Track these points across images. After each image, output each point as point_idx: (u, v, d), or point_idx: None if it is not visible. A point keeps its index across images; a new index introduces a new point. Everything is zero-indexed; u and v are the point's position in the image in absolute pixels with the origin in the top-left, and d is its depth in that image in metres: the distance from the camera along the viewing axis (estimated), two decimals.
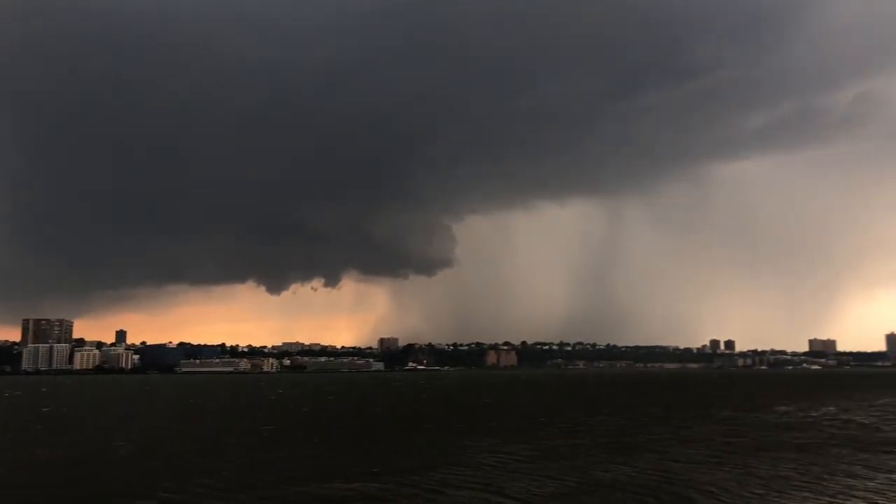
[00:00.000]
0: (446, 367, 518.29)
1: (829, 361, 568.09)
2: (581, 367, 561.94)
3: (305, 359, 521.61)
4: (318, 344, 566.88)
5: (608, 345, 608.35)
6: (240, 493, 29.93)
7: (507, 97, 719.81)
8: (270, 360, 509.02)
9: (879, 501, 27.62)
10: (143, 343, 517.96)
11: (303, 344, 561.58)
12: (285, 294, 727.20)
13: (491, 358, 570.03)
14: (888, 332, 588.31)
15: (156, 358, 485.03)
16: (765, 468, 35.23)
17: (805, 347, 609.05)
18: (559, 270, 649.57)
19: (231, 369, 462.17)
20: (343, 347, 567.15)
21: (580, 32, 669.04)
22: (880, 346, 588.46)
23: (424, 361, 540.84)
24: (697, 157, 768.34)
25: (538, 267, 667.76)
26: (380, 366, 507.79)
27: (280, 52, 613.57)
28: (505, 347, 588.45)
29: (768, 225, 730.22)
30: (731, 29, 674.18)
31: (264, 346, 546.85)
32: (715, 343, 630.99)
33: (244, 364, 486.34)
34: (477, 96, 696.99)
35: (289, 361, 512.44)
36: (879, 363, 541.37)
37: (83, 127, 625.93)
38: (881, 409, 78.75)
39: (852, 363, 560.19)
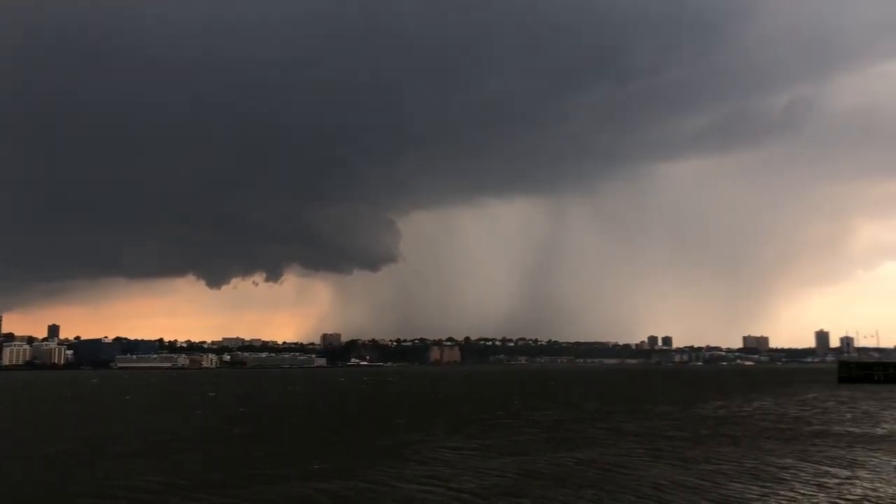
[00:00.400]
0: (389, 363, 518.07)
1: (762, 358, 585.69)
2: (523, 362, 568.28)
3: (246, 354, 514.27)
4: (259, 339, 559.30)
5: (549, 341, 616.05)
6: (196, 492, 29.75)
7: (454, 93, 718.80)
8: (210, 355, 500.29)
9: (809, 490, 29.04)
10: (77, 338, 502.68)
11: (243, 339, 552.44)
12: (226, 288, 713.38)
13: (434, 354, 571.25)
14: (817, 329, 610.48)
15: (90, 353, 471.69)
16: (702, 460, 36.53)
17: (739, 344, 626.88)
18: (502, 267, 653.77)
19: (169, 365, 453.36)
20: (285, 343, 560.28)
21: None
22: (810, 342, 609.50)
23: (367, 357, 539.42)
24: (635, 157, 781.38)
25: (482, 263, 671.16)
26: (322, 361, 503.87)
27: (220, 46, 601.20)
28: (448, 343, 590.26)
29: (704, 225, 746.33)
30: (670, 33, 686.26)
31: (203, 342, 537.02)
32: (653, 339, 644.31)
33: (182, 360, 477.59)
34: (422, 91, 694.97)
35: (228, 357, 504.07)
36: (809, 359, 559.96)
37: (13, 116, 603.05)
38: (811, 404, 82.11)
39: (784, 359, 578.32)
